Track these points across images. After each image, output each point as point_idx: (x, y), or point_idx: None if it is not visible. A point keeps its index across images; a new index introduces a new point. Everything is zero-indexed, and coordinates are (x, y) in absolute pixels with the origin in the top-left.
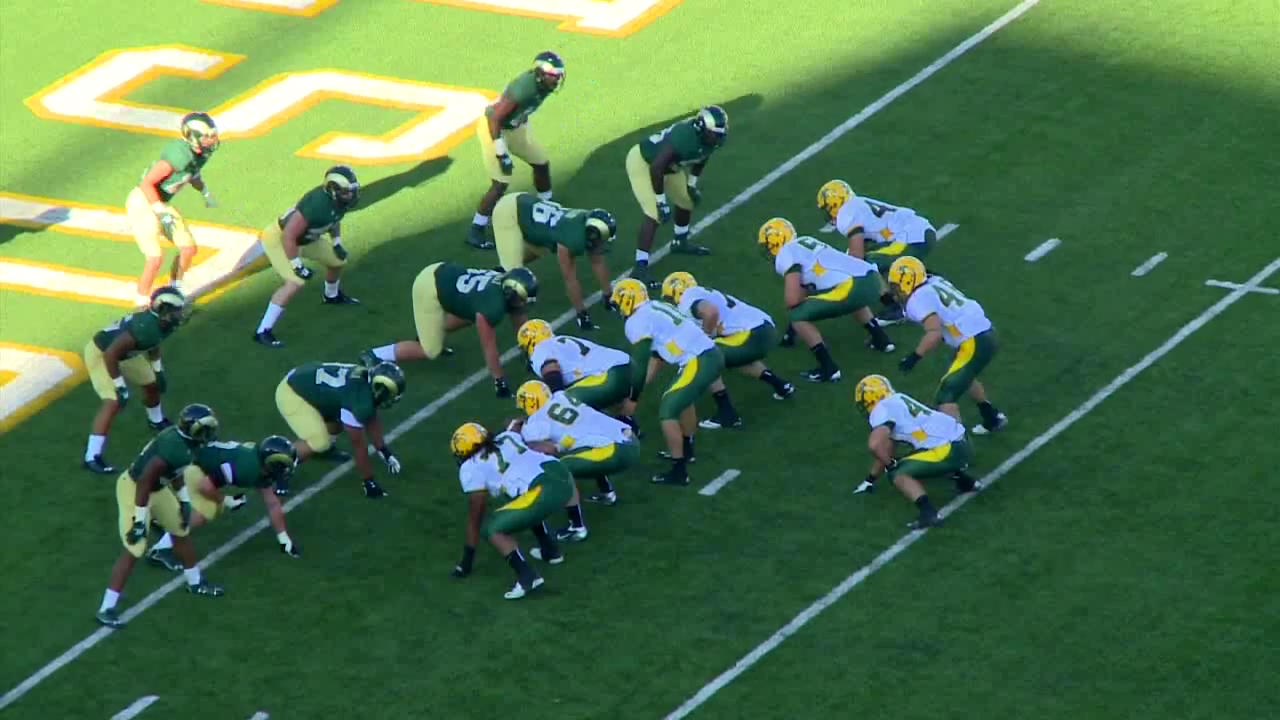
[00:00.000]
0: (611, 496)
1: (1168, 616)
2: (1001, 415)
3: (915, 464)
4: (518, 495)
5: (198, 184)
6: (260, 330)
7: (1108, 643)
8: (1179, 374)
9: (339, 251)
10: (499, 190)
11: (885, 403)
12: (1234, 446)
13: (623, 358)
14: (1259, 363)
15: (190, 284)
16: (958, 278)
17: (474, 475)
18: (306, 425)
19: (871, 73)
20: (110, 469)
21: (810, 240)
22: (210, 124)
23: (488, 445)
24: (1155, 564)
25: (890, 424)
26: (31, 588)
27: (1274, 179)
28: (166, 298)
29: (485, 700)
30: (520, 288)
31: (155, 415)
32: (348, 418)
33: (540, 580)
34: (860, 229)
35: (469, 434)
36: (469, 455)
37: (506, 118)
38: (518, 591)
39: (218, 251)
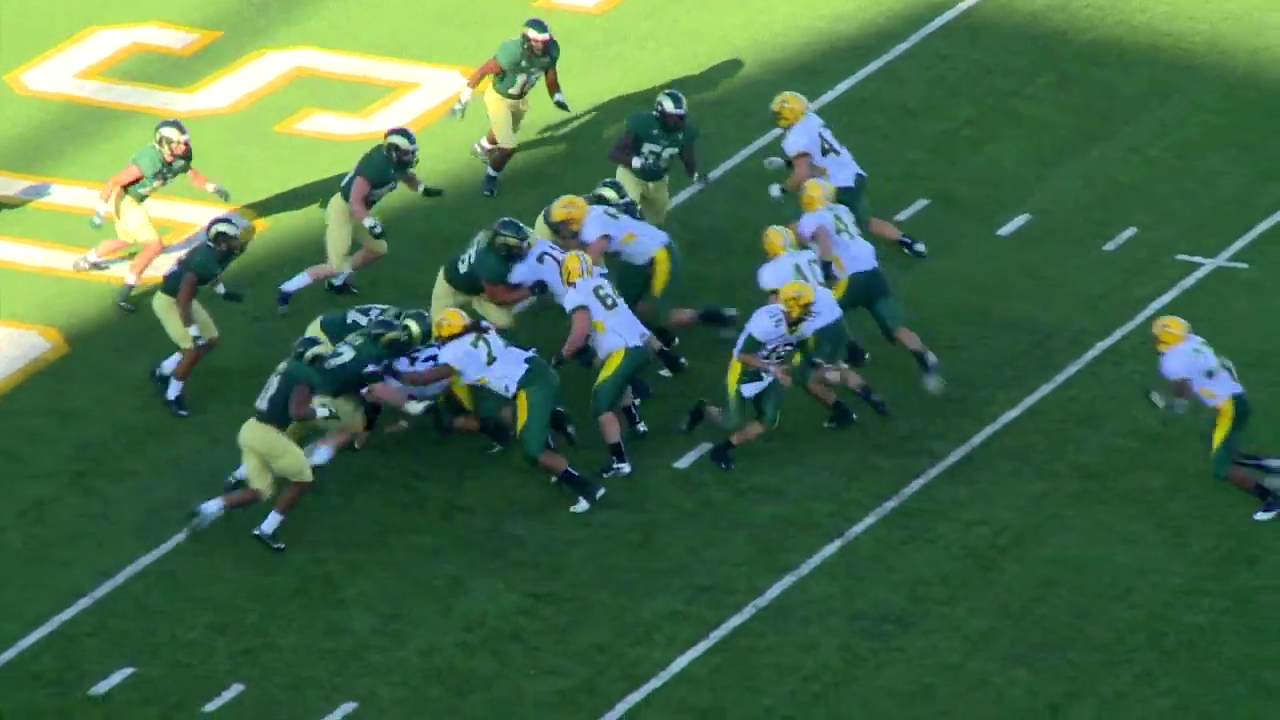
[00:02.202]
0: (641, 428)
1: (1137, 588)
2: (931, 357)
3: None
4: (505, 393)
5: (200, 180)
6: (283, 290)
7: (1077, 614)
8: (1149, 348)
9: (374, 232)
10: (506, 154)
11: None
12: (1202, 420)
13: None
14: (1227, 337)
15: (171, 260)
16: (930, 251)
17: (459, 356)
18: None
19: (845, 49)
20: (186, 413)
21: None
22: (182, 131)
23: (477, 331)
24: (1124, 536)
25: None
26: (10, 561)
27: (1243, 155)
28: (222, 227)
29: (460, 672)
30: (513, 240)
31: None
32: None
33: (601, 490)
34: (807, 156)
35: (454, 318)
36: (456, 337)
37: (499, 76)
38: (582, 506)
39: (196, 226)
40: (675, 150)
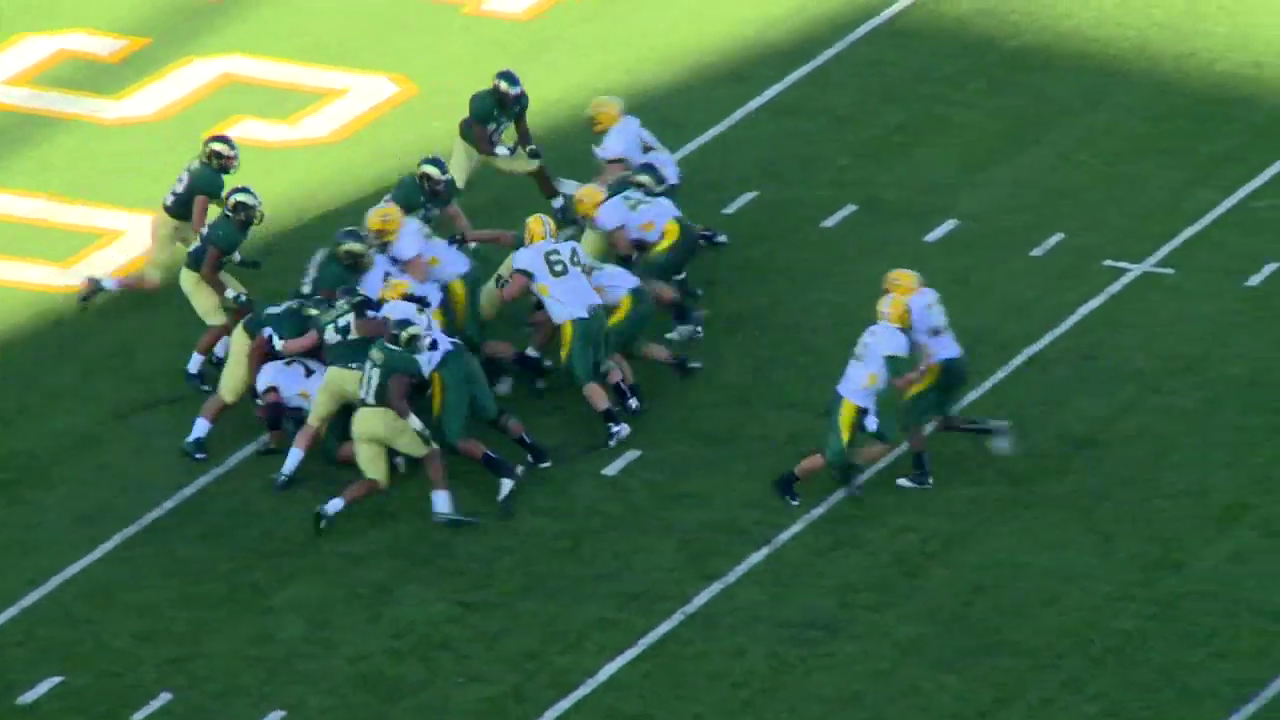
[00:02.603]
0: (634, 404)
1: (1065, 594)
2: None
3: None
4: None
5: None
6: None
7: (1006, 620)
8: (1077, 354)
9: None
10: (543, 172)
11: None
12: (1130, 425)
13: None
14: (1155, 343)
15: (97, 266)
16: (859, 257)
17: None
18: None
19: (773, 55)
20: (209, 389)
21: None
22: (231, 146)
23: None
24: (1052, 542)
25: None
26: None
27: (1171, 160)
28: (240, 196)
29: (389, 679)
30: (356, 247)
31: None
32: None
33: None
34: (622, 161)
35: (402, 287)
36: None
37: (486, 138)
38: (506, 487)
39: (123, 234)
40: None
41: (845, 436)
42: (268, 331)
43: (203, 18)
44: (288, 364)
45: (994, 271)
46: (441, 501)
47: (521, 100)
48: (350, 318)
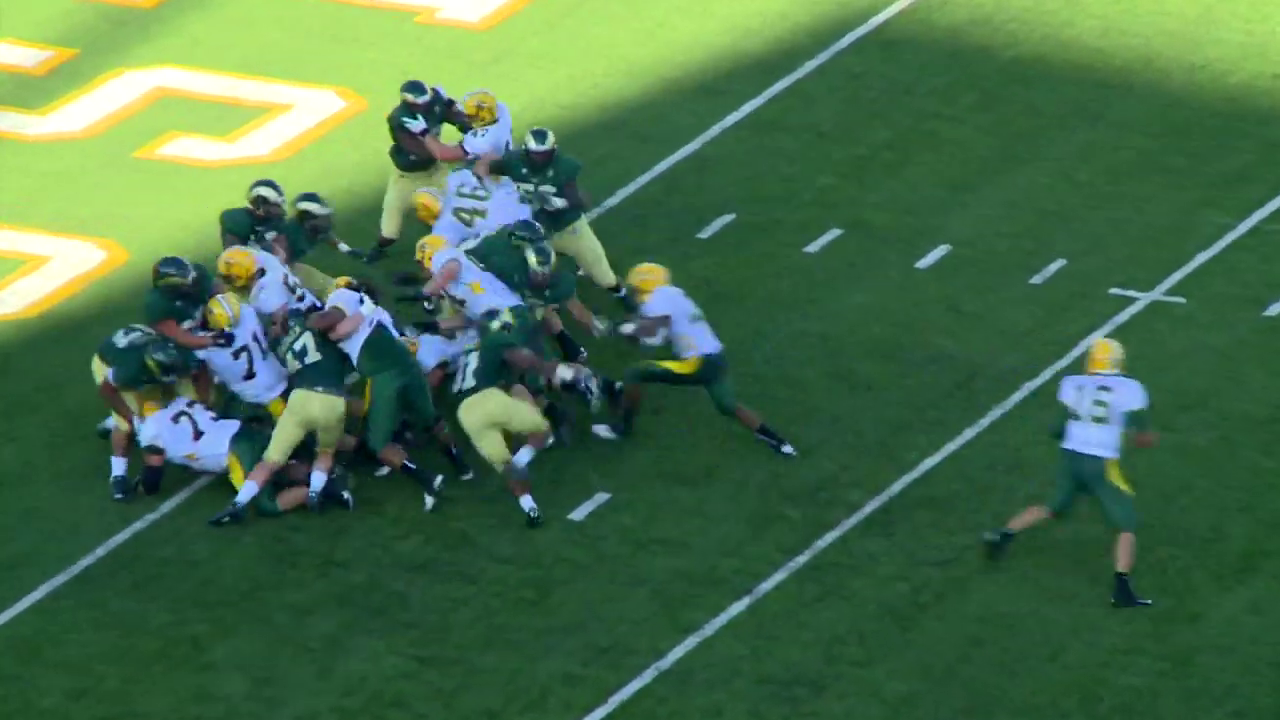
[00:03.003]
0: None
1: (1069, 648)
2: None
3: None
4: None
5: (332, 243)
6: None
7: (1005, 676)
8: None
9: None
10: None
11: None
12: (1138, 466)
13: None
14: (1165, 377)
15: (21, 294)
16: (844, 284)
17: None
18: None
19: (751, 67)
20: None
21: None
22: (279, 192)
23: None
24: (1055, 592)
25: None
26: None
27: (1179, 179)
28: (305, 205)
29: None
30: (176, 277)
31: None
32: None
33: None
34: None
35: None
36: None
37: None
38: (429, 502)
39: (50, 259)
40: (554, 189)
41: (1131, 493)
42: (110, 373)
43: (134, 27)
44: (175, 420)
45: (990, 300)
46: (525, 455)
47: (438, 102)
48: (305, 339)
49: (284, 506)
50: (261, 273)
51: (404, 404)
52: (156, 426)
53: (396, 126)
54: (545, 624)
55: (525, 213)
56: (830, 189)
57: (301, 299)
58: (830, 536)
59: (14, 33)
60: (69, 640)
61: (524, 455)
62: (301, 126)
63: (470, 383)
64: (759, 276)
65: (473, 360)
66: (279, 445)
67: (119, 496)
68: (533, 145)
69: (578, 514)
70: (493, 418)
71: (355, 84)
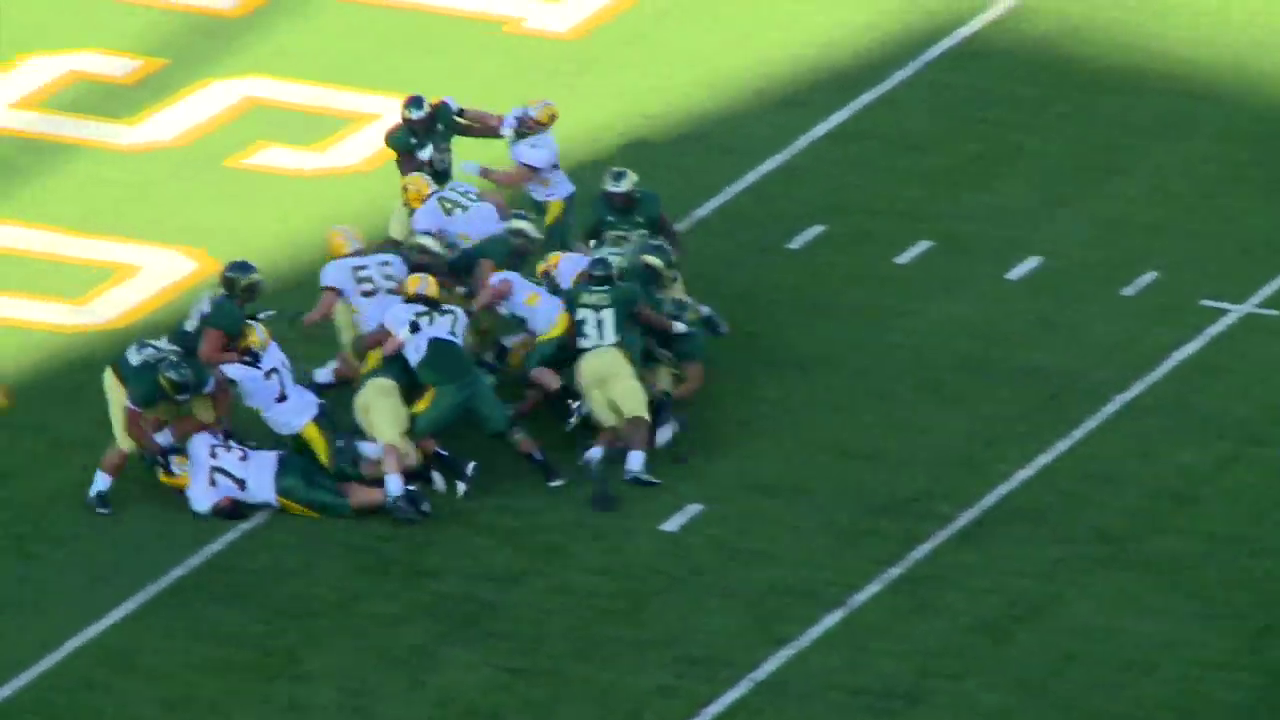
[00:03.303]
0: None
1: (1164, 662)
2: None
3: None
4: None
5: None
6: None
7: (1099, 690)
8: (1172, 401)
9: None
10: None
11: None
12: (1233, 479)
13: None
14: (1258, 389)
15: (112, 304)
16: (932, 297)
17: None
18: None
19: (838, 78)
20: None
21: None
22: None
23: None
24: (1150, 606)
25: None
26: None
27: (1272, 190)
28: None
29: None
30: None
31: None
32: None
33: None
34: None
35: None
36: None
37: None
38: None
39: (139, 269)
40: (645, 231)
41: None
42: (127, 395)
43: (223, 36)
44: (213, 483)
45: (1081, 312)
46: (636, 460)
47: (441, 114)
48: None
49: (355, 506)
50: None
51: (469, 416)
52: (200, 496)
53: (401, 149)
54: (639, 636)
55: (498, 229)
56: (919, 201)
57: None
58: (923, 549)
59: (104, 43)
60: (163, 651)
61: (636, 459)
62: None
63: (610, 336)
64: (849, 288)
65: (608, 316)
66: (392, 428)
67: (102, 511)
68: (611, 187)
69: (670, 525)
70: (601, 376)
71: (443, 93)
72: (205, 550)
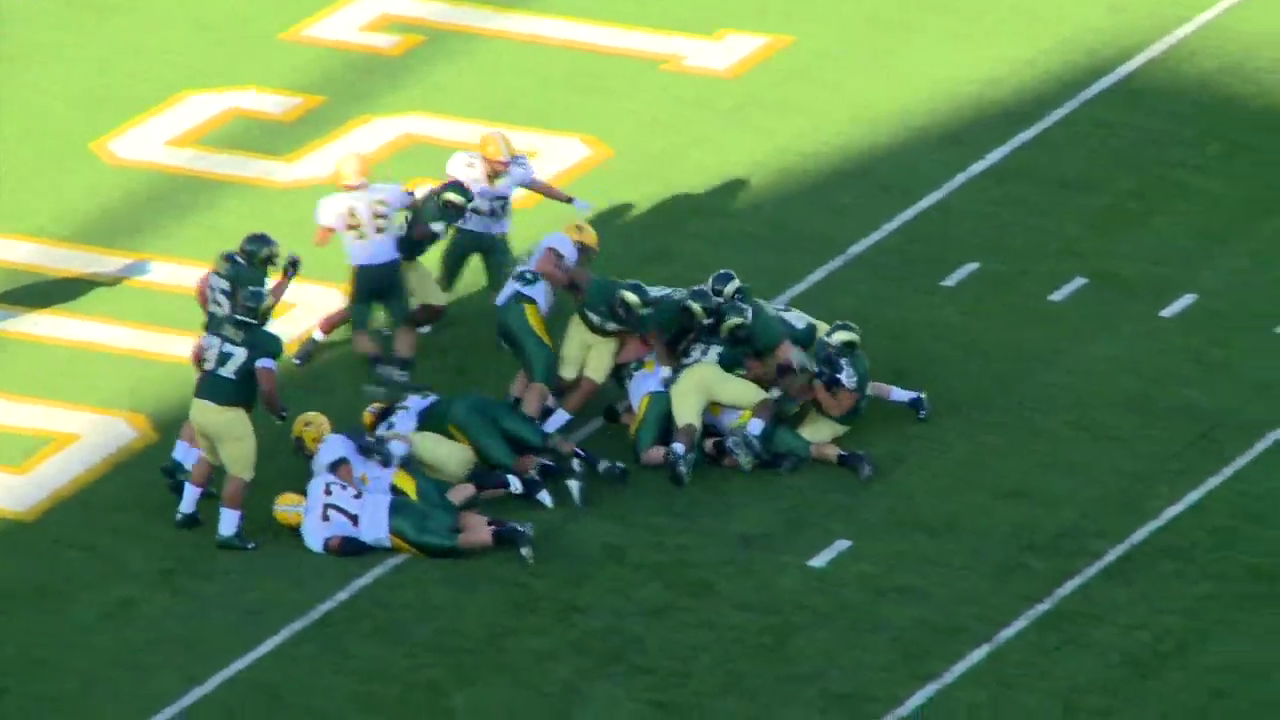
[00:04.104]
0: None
1: None
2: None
3: None
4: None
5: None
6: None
7: None
8: None
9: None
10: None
11: None
12: None
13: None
14: None
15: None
16: (1090, 334)
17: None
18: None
19: (996, 116)
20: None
21: None
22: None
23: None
24: None
25: None
26: (95, 664)
27: None
28: (450, 194)
29: None
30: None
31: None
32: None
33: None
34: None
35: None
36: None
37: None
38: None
39: (295, 306)
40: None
41: None
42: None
43: (380, 75)
44: (325, 518)
45: (1236, 349)
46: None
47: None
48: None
49: (463, 545)
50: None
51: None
52: (313, 531)
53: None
54: (784, 671)
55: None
56: (1076, 239)
57: None
58: (1072, 585)
59: (263, 80)
60: (311, 686)
61: (755, 425)
62: (547, 174)
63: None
64: (1004, 326)
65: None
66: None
67: (249, 547)
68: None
69: (818, 561)
70: (704, 384)
71: (601, 132)
72: (353, 585)
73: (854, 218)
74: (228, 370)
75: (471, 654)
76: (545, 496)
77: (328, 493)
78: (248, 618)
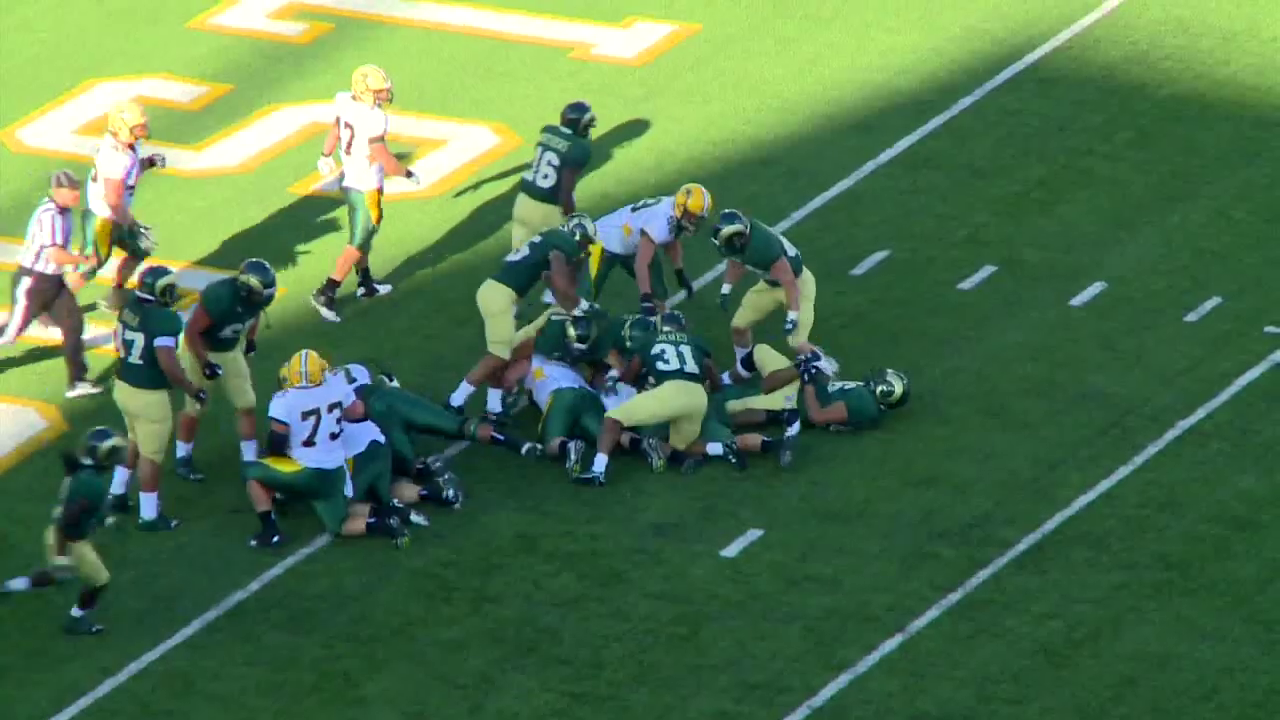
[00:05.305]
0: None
1: (1223, 688)
2: None
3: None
4: None
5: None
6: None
7: (1159, 716)
8: (1235, 427)
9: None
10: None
11: None
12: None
13: None
14: None
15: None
16: (998, 321)
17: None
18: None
19: (904, 104)
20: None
21: None
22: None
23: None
24: (1210, 631)
25: None
26: (5, 655)
27: None
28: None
29: None
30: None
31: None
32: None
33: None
34: None
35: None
36: None
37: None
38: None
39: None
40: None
41: None
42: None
43: (288, 63)
44: (304, 417)
45: (1144, 337)
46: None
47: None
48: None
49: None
50: None
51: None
52: (285, 408)
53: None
54: (697, 661)
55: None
56: (984, 226)
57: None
58: (983, 574)
59: (169, 69)
60: (223, 675)
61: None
62: (456, 162)
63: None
64: (913, 314)
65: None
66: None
67: (196, 478)
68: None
69: (730, 550)
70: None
71: (509, 119)
72: (265, 575)
73: (763, 206)
74: (134, 356)
75: (384, 644)
76: (401, 535)
77: (330, 408)
78: (160, 607)
